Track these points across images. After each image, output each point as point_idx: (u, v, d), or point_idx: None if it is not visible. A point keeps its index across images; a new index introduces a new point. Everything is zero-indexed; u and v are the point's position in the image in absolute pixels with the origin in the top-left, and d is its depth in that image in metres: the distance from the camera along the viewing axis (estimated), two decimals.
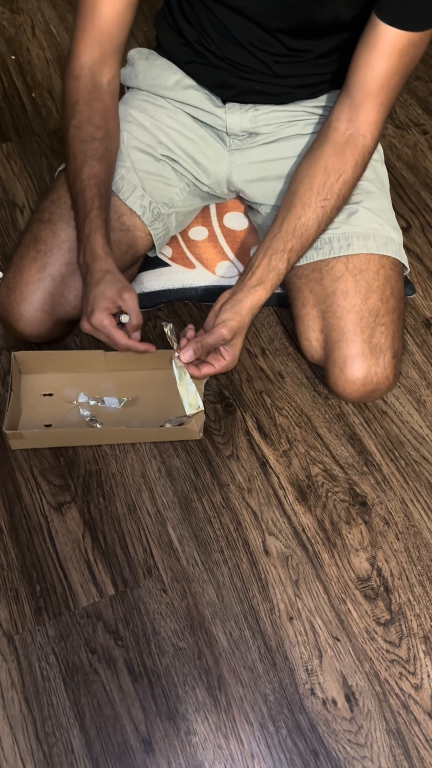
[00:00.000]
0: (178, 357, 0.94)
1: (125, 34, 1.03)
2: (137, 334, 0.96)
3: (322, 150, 0.97)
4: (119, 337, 0.93)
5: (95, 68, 1.02)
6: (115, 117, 1.05)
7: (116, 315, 0.94)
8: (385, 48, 0.90)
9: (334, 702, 0.91)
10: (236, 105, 1.09)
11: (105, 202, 0.98)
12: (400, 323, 1.04)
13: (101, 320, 0.92)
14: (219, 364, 0.96)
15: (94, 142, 0.99)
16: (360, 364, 1.00)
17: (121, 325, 0.94)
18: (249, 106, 1.09)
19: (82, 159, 0.98)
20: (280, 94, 1.07)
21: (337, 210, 0.99)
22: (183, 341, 0.96)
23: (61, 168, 1.09)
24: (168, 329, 0.95)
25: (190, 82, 1.10)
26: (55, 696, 0.91)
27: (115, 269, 0.94)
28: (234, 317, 0.94)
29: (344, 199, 0.99)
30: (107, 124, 1.02)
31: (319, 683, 0.92)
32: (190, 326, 0.98)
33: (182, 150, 1.12)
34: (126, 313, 0.94)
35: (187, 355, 0.93)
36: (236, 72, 1.05)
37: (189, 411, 0.97)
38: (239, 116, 1.10)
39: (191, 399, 0.97)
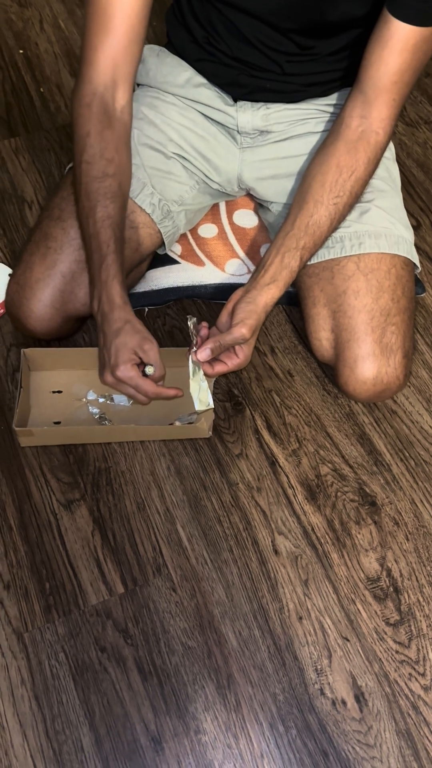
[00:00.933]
0: (195, 353, 0.94)
1: (139, 52, 0.99)
2: (161, 384, 0.96)
3: (334, 147, 0.97)
4: (149, 386, 0.92)
5: (108, 93, 0.98)
6: (128, 147, 1.01)
7: (138, 365, 0.93)
8: (398, 44, 0.90)
9: (344, 702, 0.91)
10: (247, 103, 1.09)
11: (120, 245, 0.95)
12: (411, 323, 1.04)
13: (128, 372, 0.91)
14: (232, 362, 0.96)
15: (106, 179, 0.95)
16: (370, 364, 1.00)
17: (144, 375, 0.93)
18: (260, 104, 1.09)
19: (95, 198, 0.94)
20: (291, 92, 1.07)
21: (350, 207, 0.99)
22: (198, 340, 0.96)
23: (70, 166, 1.09)
24: (191, 323, 0.96)
25: (201, 79, 1.10)
26: (64, 694, 0.91)
27: (135, 318, 0.93)
28: (251, 315, 0.94)
29: (356, 197, 0.98)
30: (120, 156, 0.98)
31: (329, 683, 0.92)
32: (204, 324, 0.97)
33: (193, 148, 1.12)
34: (149, 364, 0.93)
35: (204, 354, 0.93)
36: (247, 71, 1.04)
37: (199, 407, 0.97)
38: (251, 114, 1.09)
39: (202, 395, 0.97)
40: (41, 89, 1.52)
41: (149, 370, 0.93)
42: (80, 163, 0.96)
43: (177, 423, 1.07)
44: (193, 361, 0.95)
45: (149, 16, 0.97)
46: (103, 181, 0.95)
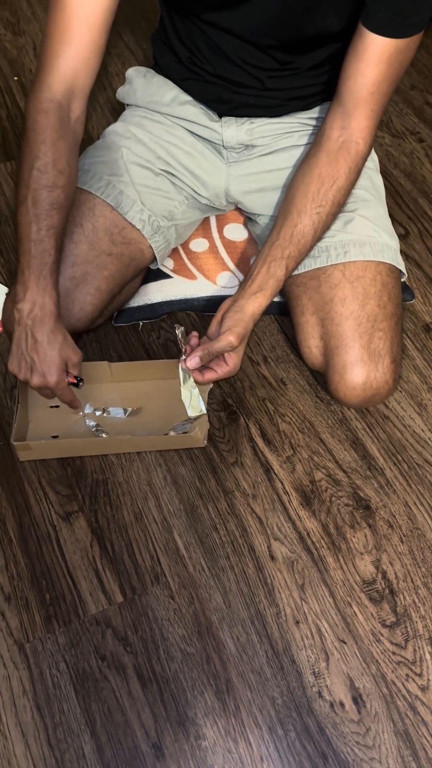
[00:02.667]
0: (185, 361, 0.96)
1: (97, 66, 0.99)
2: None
3: (316, 158, 0.99)
4: (69, 394, 1.01)
5: (64, 102, 0.98)
6: (77, 159, 1.01)
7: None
8: (373, 56, 0.92)
9: (342, 704, 0.92)
10: (232, 119, 1.12)
11: (59, 255, 0.98)
12: (399, 328, 1.06)
13: (63, 384, 0.98)
14: (222, 369, 0.98)
15: (56, 189, 0.95)
16: (359, 370, 1.02)
17: (72, 385, 1.02)
18: (244, 119, 1.12)
19: (42, 207, 0.95)
20: (274, 106, 1.10)
21: (333, 216, 1.01)
22: (187, 348, 0.98)
23: None
24: (179, 332, 0.99)
25: (186, 97, 1.13)
26: (66, 703, 0.92)
27: (65, 330, 0.98)
28: (238, 324, 0.96)
29: (339, 206, 1.01)
30: (70, 168, 0.98)
31: (327, 686, 0.93)
32: (194, 333, 1.00)
33: (180, 164, 1.14)
34: (80, 378, 1.01)
35: (193, 361, 0.96)
36: (230, 87, 1.07)
37: (191, 413, 0.99)
38: (235, 130, 1.12)
39: (194, 402, 0.99)
40: None
41: (81, 384, 1.02)
42: (31, 169, 0.96)
43: (172, 433, 1.09)
44: (183, 369, 0.97)
45: (109, 31, 0.97)
46: (52, 191, 0.95)
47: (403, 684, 0.93)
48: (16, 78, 1.63)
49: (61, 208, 0.96)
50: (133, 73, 1.20)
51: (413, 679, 0.93)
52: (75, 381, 1.00)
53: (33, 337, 0.95)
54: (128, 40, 1.68)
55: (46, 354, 0.95)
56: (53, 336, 0.95)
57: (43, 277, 0.95)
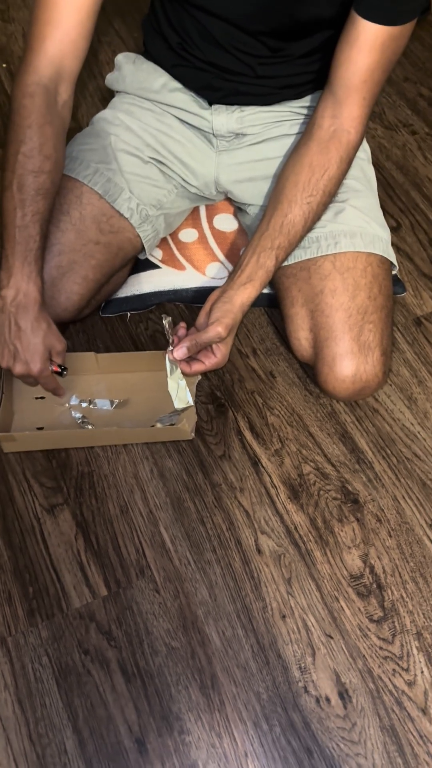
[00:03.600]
0: (172, 352, 0.95)
1: (85, 50, 0.97)
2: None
3: (307, 147, 0.98)
4: (52, 381, 1.01)
5: (51, 86, 0.96)
6: (63, 144, 1.00)
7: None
8: (366, 43, 0.91)
9: (328, 699, 0.91)
10: (222, 107, 1.10)
11: (44, 242, 0.97)
12: (389, 321, 1.05)
13: (46, 372, 0.97)
14: (210, 361, 0.97)
15: (41, 175, 0.94)
16: (349, 362, 1.00)
17: (56, 374, 1.01)
18: (235, 107, 1.10)
19: (27, 192, 0.93)
20: (265, 95, 1.08)
21: (324, 206, 1.00)
22: (175, 339, 0.97)
23: None
24: (166, 323, 0.97)
25: (177, 84, 1.11)
26: (48, 697, 0.91)
27: (51, 320, 0.97)
28: (227, 314, 0.95)
29: (330, 195, 0.99)
30: (56, 153, 0.96)
31: (313, 681, 0.92)
32: (182, 324, 0.98)
33: (170, 152, 1.13)
34: (58, 363, 1.00)
35: (180, 352, 0.94)
36: (220, 74, 1.06)
37: (178, 405, 0.98)
38: (225, 118, 1.10)
39: (181, 394, 0.98)
40: None
41: (65, 373, 1.01)
42: (17, 154, 0.94)
43: (158, 424, 1.08)
44: (170, 360, 0.96)
45: (98, 14, 0.96)
46: (38, 177, 0.94)
47: (389, 679, 0.92)
48: (5, 65, 1.60)
49: (47, 194, 0.95)
50: (122, 59, 1.18)
51: (400, 674, 0.92)
52: (59, 370, 0.99)
53: (16, 324, 0.93)
54: (119, 28, 1.66)
55: (29, 342, 0.94)
56: (37, 324, 0.94)
57: (27, 263, 0.93)
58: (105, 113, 1.16)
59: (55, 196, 0.98)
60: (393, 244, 1.11)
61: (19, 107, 0.95)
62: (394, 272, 1.11)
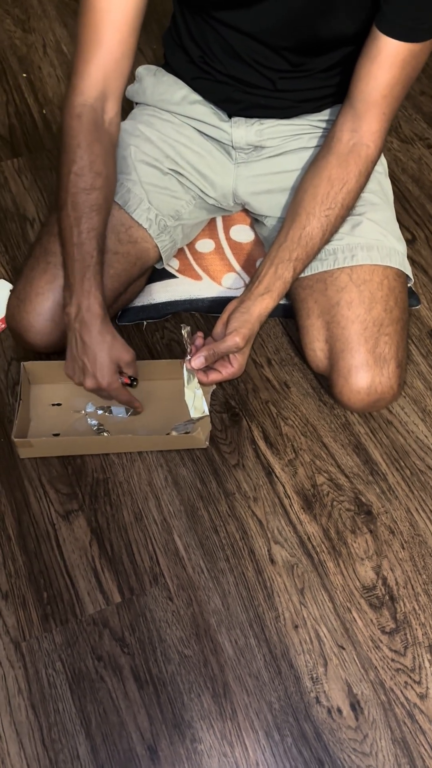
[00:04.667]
0: (189, 361, 0.96)
1: (129, 66, 1.00)
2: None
3: (326, 160, 0.99)
4: (125, 394, 1.01)
5: (97, 105, 0.99)
6: (114, 160, 1.03)
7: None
8: (387, 59, 0.92)
9: (339, 711, 0.91)
10: (242, 119, 1.11)
11: (102, 257, 0.99)
12: (404, 333, 1.05)
13: (115, 384, 0.98)
14: (226, 371, 0.98)
15: (94, 192, 0.97)
16: (364, 374, 1.01)
17: (127, 385, 1.02)
18: (254, 120, 1.11)
19: (81, 210, 0.96)
20: (284, 108, 1.09)
21: (342, 219, 1.01)
22: (192, 348, 0.97)
23: None
24: (185, 332, 0.98)
25: (197, 97, 1.13)
26: (61, 703, 0.92)
27: (116, 332, 0.98)
28: (244, 325, 0.96)
29: (348, 209, 1.00)
30: (107, 169, 0.99)
31: (324, 692, 0.92)
32: (200, 333, 0.99)
33: (189, 163, 1.14)
34: (134, 377, 1.01)
35: (198, 361, 0.95)
36: (241, 87, 1.07)
37: (194, 414, 0.99)
38: (245, 130, 1.12)
39: (197, 403, 0.99)
40: (44, 111, 1.55)
41: (135, 384, 1.01)
42: (69, 174, 0.98)
43: (173, 432, 1.08)
44: (187, 369, 0.97)
45: (139, 31, 0.99)
46: (90, 194, 0.97)
47: (401, 691, 0.92)
48: (25, 75, 1.62)
49: (100, 210, 0.98)
50: (143, 71, 1.20)
51: (412, 687, 0.92)
52: (129, 381, 1.00)
53: (81, 340, 0.96)
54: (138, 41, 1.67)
55: (95, 356, 0.96)
56: (101, 337, 0.95)
57: (86, 279, 0.95)
58: (125, 124, 1.17)
59: (109, 211, 1.01)
60: (408, 257, 1.12)
61: (68, 128, 0.99)
62: (409, 285, 1.12)
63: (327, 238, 1.00)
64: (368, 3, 0.92)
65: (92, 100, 0.99)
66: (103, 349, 0.96)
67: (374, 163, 1.00)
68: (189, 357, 0.96)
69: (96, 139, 0.98)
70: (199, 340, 0.99)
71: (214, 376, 0.97)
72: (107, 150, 1.00)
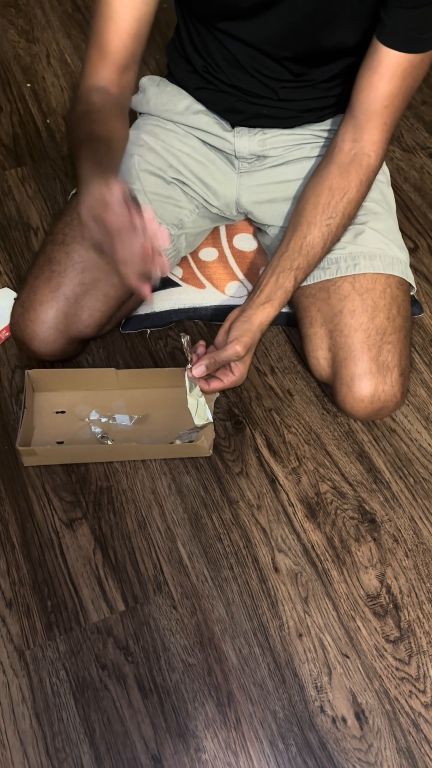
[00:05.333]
0: (191, 369, 0.96)
1: (134, 76, 1.04)
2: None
3: (327, 170, 0.99)
4: (121, 212, 0.77)
5: (110, 86, 1.03)
6: (125, 118, 1.05)
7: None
8: (388, 70, 0.93)
9: (344, 720, 0.91)
10: (245, 129, 1.12)
11: (97, 145, 0.93)
12: (407, 341, 1.05)
13: (108, 194, 0.77)
14: (228, 379, 0.98)
15: (107, 123, 0.99)
16: (367, 382, 1.01)
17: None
18: (257, 129, 1.12)
19: (93, 135, 0.95)
20: (287, 117, 1.10)
21: (343, 228, 1.01)
22: (194, 357, 0.98)
23: (74, 192, 1.12)
24: (185, 341, 0.98)
25: (200, 107, 1.13)
26: (65, 711, 0.92)
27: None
28: (246, 333, 0.96)
29: (349, 218, 1.01)
30: (120, 125, 1.03)
31: (329, 701, 0.92)
32: (201, 342, 1.00)
33: (192, 173, 1.15)
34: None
35: (199, 369, 0.95)
36: (244, 97, 1.08)
37: (197, 422, 0.99)
38: (248, 140, 1.12)
39: (200, 411, 0.99)
40: (47, 120, 1.56)
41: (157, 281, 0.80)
42: (84, 114, 0.99)
43: (177, 441, 1.09)
44: (189, 378, 0.97)
45: (146, 41, 1.03)
46: (104, 125, 0.98)
47: (406, 700, 0.92)
48: (29, 85, 1.63)
49: (111, 131, 0.99)
50: (146, 81, 1.20)
51: (416, 696, 0.92)
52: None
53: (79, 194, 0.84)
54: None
55: (80, 191, 0.83)
56: (89, 178, 0.84)
57: (101, 170, 0.86)
58: (129, 134, 1.18)
59: (121, 142, 1.02)
60: (411, 266, 1.12)
61: (81, 105, 1.01)
62: (412, 293, 1.12)
63: (328, 247, 1.01)
64: (369, 14, 0.93)
65: (104, 84, 1.02)
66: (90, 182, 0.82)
67: (375, 172, 1.00)
68: (190, 365, 0.97)
69: (108, 103, 1.01)
70: (200, 349, 0.99)
71: (215, 384, 0.98)
72: (119, 110, 1.03)
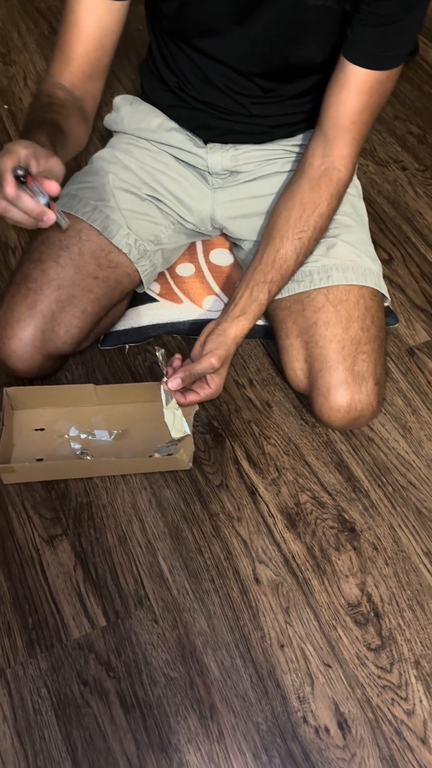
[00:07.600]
0: (166, 383, 0.97)
1: (100, 86, 1.05)
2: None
3: (298, 185, 1.01)
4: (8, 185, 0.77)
5: (73, 89, 1.03)
6: (81, 126, 1.04)
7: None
8: (354, 86, 0.95)
9: (327, 730, 0.91)
10: (217, 145, 1.14)
11: (52, 130, 0.92)
12: (382, 351, 1.07)
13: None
14: (204, 391, 0.99)
15: (53, 107, 0.98)
16: (343, 392, 1.02)
17: (21, 184, 0.79)
18: (229, 145, 1.14)
19: (40, 116, 0.95)
20: (258, 133, 1.12)
21: (315, 241, 1.02)
22: (170, 370, 0.98)
23: None
24: (160, 354, 0.99)
25: (173, 124, 1.15)
26: (47, 729, 0.91)
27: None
28: (221, 346, 0.97)
29: (321, 231, 1.02)
30: (78, 128, 1.02)
31: (311, 711, 0.92)
32: (177, 356, 1.01)
33: (166, 190, 1.16)
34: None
35: (174, 382, 0.96)
36: (216, 114, 1.10)
37: (174, 434, 0.99)
38: (220, 156, 1.14)
39: (177, 423, 0.99)
40: None
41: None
42: (38, 96, 1.00)
43: (156, 455, 1.09)
44: (165, 391, 0.98)
45: (113, 53, 1.04)
46: (49, 107, 0.98)
47: (388, 708, 0.92)
48: (6, 106, 1.65)
49: (57, 114, 0.97)
50: (120, 101, 1.22)
51: (399, 704, 0.92)
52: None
53: None
54: (117, 71, 1.71)
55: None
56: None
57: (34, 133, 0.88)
58: (103, 152, 1.19)
59: (75, 142, 1.01)
60: (385, 277, 1.14)
61: (45, 100, 1.00)
62: (386, 304, 1.13)
63: (301, 261, 1.02)
64: (336, 32, 0.95)
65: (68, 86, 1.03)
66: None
67: (346, 186, 1.02)
68: (166, 378, 0.98)
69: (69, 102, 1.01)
70: (176, 362, 1.00)
71: (191, 397, 0.98)
72: (76, 113, 1.02)
